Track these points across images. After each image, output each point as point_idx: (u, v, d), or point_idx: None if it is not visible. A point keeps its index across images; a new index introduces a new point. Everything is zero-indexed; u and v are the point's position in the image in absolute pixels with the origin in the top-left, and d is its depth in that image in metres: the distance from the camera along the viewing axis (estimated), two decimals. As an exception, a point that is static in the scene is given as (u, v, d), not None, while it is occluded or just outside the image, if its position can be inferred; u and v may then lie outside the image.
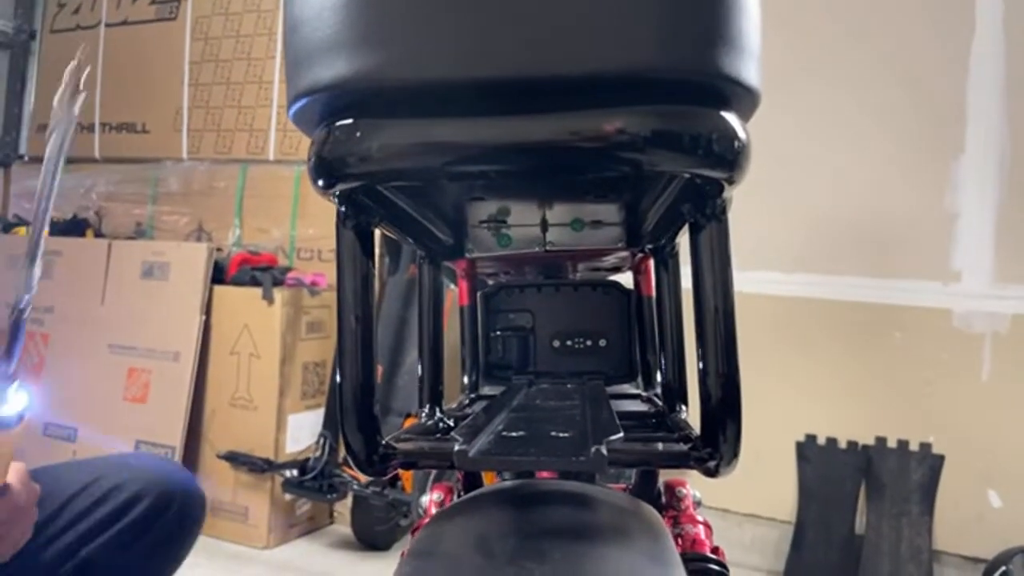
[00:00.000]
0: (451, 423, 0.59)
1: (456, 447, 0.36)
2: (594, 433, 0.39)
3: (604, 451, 0.35)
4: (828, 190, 2.21)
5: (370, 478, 2.02)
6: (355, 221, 0.40)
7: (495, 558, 0.34)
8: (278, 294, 2.19)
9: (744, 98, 0.35)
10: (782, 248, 2.23)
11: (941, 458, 2.02)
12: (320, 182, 0.36)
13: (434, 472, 1.80)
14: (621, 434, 0.38)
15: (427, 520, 0.60)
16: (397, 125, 0.34)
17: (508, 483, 0.47)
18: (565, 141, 0.34)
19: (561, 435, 0.41)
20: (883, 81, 2.12)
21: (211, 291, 2.27)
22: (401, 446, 0.42)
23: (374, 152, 0.34)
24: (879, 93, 2.13)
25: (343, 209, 0.39)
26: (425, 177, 0.37)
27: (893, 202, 2.12)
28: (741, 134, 0.34)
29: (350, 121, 0.34)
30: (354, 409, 0.41)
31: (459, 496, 0.70)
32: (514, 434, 0.42)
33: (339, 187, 0.36)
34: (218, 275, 2.31)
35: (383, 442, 0.42)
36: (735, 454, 0.39)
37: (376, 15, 0.33)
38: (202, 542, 0.95)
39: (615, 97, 0.33)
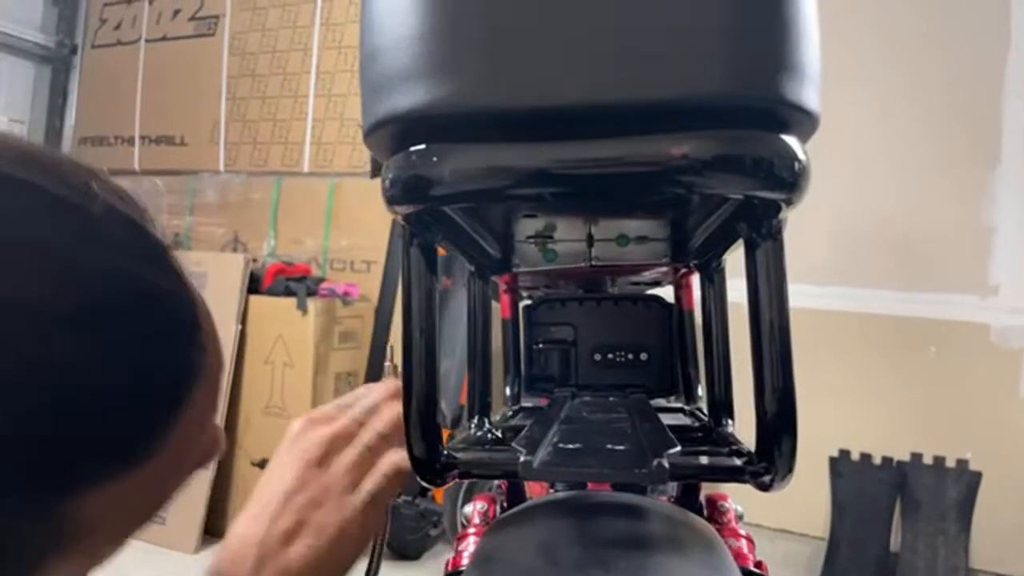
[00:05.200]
0: (499, 434, 0.60)
1: (522, 458, 0.37)
2: (651, 446, 0.40)
3: (666, 464, 0.36)
4: (863, 202, 2.19)
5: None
6: (421, 240, 0.41)
7: (560, 565, 0.36)
8: (312, 304, 2.23)
9: (804, 122, 0.36)
10: (816, 260, 2.22)
11: (979, 475, 1.98)
12: (395, 204, 0.37)
13: (466, 483, 1.81)
14: (679, 447, 0.39)
15: (474, 530, 0.61)
16: (469, 150, 0.36)
17: (562, 494, 0.48)
18: (630, 165, 0.35)
19: (617, 448, 0.42)
20: (919, 93, 2.11)
21: (247, 301, 2.31)
22: (461, 456, 0.44)
23: (447, 176, 0.36)
24: (915, 105, 2.12)
25: (411, 228, 0.41)
26: (494, 199, 0.38)
27: (929, 214, 2.10)
28: (801, 157, 0.36)
29: (424, 146, 0.36)
30: (419, 419, 0.42)
31: (501, 507, 0.71)
32: (571, 446, 0.43)
33: (411, 208, 0.38)
34: (253, 285, 2.35)
35: (444, 452, 0.43)
36: (790, 469, 0.40)
37: (450, 46, 0.35)
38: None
39: (679, 122, 0.34)
